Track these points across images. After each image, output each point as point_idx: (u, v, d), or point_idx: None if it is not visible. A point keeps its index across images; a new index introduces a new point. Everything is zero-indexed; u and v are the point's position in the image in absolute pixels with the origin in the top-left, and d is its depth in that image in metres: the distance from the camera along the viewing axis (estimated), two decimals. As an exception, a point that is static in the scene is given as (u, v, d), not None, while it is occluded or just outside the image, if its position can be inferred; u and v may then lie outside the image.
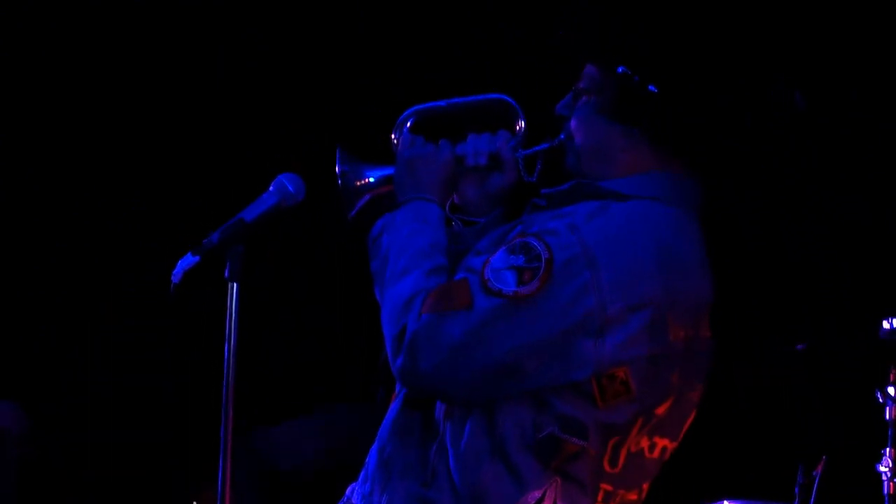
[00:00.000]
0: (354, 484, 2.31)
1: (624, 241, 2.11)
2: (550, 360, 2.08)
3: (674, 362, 2.15)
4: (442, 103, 2.47)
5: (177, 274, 2.29)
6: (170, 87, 4.80)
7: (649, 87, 2.19)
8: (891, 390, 3.46)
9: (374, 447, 2.26)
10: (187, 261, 2.30)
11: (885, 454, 3.47)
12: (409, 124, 2.46)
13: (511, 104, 2.43)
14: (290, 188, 2.39)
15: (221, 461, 2.33)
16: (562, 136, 2.33)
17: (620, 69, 2.21)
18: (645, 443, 2.18)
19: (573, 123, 2.30)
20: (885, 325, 3.43)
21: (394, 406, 2.27)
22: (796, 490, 3.65)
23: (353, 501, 2.27)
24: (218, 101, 4.82)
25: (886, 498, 3.49)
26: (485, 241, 2.24)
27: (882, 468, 3.49)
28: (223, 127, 4.84)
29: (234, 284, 2.33)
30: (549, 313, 2.07)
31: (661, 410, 2.16)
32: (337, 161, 2.42)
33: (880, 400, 3.47)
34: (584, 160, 2.28)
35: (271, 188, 2.39)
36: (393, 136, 2.46)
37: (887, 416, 3.46)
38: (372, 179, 2.43)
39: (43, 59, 4.72)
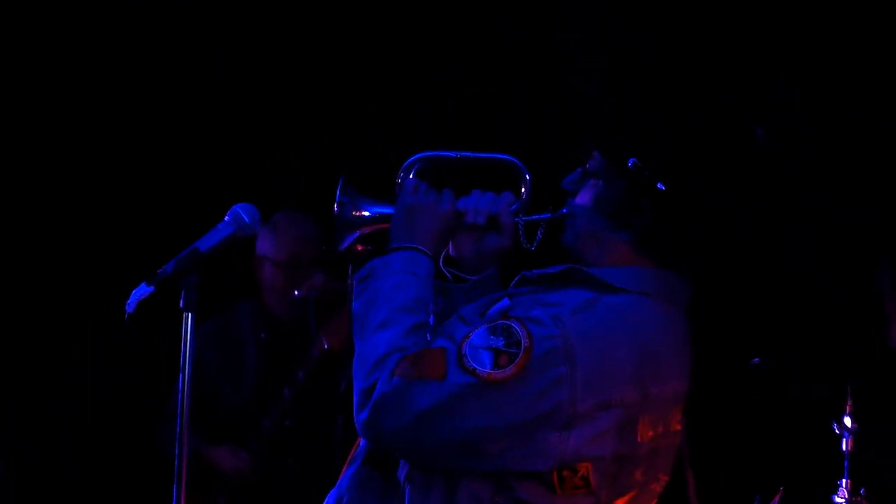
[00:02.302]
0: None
1: (605, 339, 2.10)
2: (513, 447, 2.07)
3: (639, 461, 2.15)
4: (452, 154, 2.44)
5: (131, 304, 2.30)
6: (170, 88, 4.80)
7: (658, 185, 2.18)
8: (847, 421, 3.45)
9: (333, 494, 2.26)
10: (141, 291, 2.31)
11: (841, 485, 3.46)
12: (415, 169, 2.43)
13: (520, 167, 2.41)
14: (245, 218, 2.39)
15: (175, 489, 2.34)
16: (564, 210, 2.32)
17: (631, 162, 2.19)
18: None
19: (577, 203, 2.29)
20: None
21: (356, 459, 2.26)
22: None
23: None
24: (218, 101, 4.81)
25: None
26: (470, 306, 2.23)
27: (838, 499, 3.50)
28: (223, 127, 4.84)
29: (189, 314, 2.33)
30: (519, 400, 2.06)
31: (621, 503, 2.16)
32: (338, 191, 2.39)
33: (836, 431, 3.46)
34: (580, 241, 2.28)
35: (227, 218, 2.39)
36: (398, 178, 2.43)
37: (843, 448, 3.46)
38: (367, 213, 2.41)
39: (43, 58, 4.71)
